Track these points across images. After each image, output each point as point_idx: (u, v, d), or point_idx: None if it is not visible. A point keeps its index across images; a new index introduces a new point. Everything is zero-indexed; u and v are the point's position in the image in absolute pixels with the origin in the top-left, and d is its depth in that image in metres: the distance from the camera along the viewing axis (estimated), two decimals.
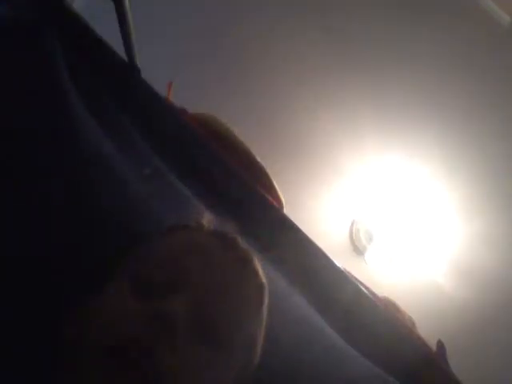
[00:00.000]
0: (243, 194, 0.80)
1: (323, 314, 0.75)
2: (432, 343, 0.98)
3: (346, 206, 1.88)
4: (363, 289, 0.85)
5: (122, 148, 0.70)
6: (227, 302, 0.48)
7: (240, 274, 0.52)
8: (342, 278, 0.83)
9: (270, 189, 0.99)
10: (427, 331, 1.10)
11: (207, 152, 0.82)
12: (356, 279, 0.89)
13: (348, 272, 0.87)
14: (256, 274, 0.55)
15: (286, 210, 0.97)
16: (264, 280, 0.56)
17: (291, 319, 0.69)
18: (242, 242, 0.55)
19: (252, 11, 1.80)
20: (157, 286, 0.46)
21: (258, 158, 1.01)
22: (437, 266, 1.83)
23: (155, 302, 0.44)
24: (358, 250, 1.89)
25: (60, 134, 0.62)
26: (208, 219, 0.57)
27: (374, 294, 0.97)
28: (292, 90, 1.80)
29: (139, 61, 0.84)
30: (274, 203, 0.90)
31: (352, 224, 1.91)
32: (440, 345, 0.97)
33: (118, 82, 0.80)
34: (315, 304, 0.75)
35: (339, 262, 0.84)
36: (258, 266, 0.55)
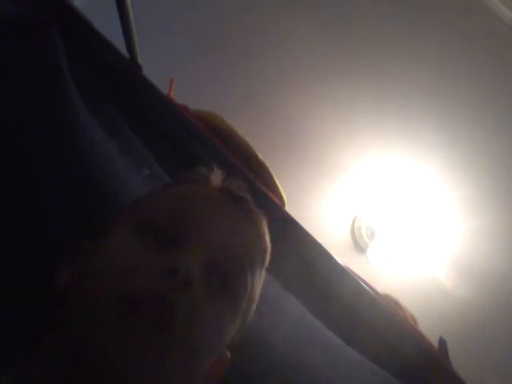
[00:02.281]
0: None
1: (324, 311, 0.75)
2: (434, 340, 0.98)
3: (348, 203, 1.88)
4: (364, 286, 0.85)
5: (123, 145, 0.70)
6: (237, 258, 0.48)
7: (250, 232, 0.52)
8: (343, 275, 0.83)
9: (272, 186, 0.99)
10: (429, 328, 1.10)
11: (209, 148, 0.83)
12: (357, 276, 0.89)
13: (349, 269, 0.87)
14: (264, 234, 0.55)
15: (288, 207, 0.97)
16: (269, 242, 0.56)
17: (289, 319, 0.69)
18: (252, 202, 0.55)
19: (253, 9, 1.79)
20: (166, 238, 0.45)
21: (260, 155, 1.01)
22: (439, 264, 1.83)
23: (167, 256, 0.43)
24: (359, 247, 1.89)
25: (62, 129, 0.62)
26: (217, 176, 0.56)
27: (375, 291, 0.97)
28: (293, 87, 1.80)
29: (141, 58, 0.84)
30: (276, 200, 0.90)
31: (354, 221, 1.91)
32: (442, 341, 0.97)
33: (119, 79, 0.80)
34: (316, 301, 0.75)
35: (341, 259, 0.84)
36: (266, 227, 0.55)
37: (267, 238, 0.55)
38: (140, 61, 0.84)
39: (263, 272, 0.55)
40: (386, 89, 1.76)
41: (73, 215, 0.57)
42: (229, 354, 0.52)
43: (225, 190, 0.54)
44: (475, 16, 1.71)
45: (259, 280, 0.53)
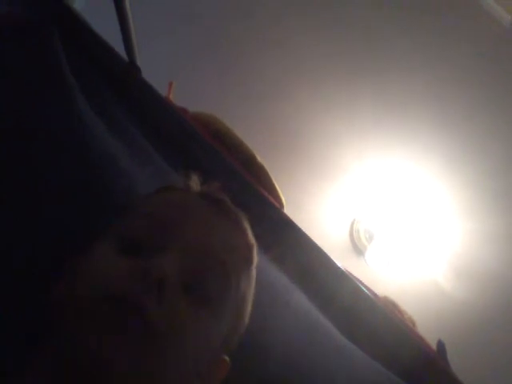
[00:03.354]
0: (244, 194, 0.80)
1: (323, 313, 0.75)
2: (432, 343, 0.98)
3: (347, 206, 1.89)
4: (363, 288, 0.85)
5: (123, 143, 0.70)
6: (216, 259, 0.48)
7: (229, 233, 0.52)
8: (341, 278, 0.83)
9: (271, 188, 0.99)
10: (427, 331, 1.10)
11: (209, 152, 0.83)
12: (356, 279, 0.89)
13: (348, 271, 0.87)
14: (245, 233, 0.54)
15: (287, 210, 0.97)
16: (253, 240, 0.55)
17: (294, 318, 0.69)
18: (231, 203, 0.55)
19: (253, 11, 1.80)
20: (144, 243, 0.46)
21: (259, 158, 1.02)
22: (437, 266, 1.84)
23: (143, 260, 0.44)
24: (358, 249, 1.89)
25: (64, 128, 0.62)
26: (195, 181, 0.57)
27: (374, 293, 0.97)
28: (293, 89, 1.80)
29: (139, 61, 0.84)
30: (275, 203, 0.90)
31: (352, 223, 1.91)
32: (440, 344, 0.97)
33: (118, 82, 0.80)
34: (315, 303, 0.75)
35: (339, 261, 0.84)
36: (248, 226, 0.55)
37: (250, 235, 0.55)
38: (139, 63, 0.84)
39: (253, 271, 0.55)
40: (386, 91, 1.77)
41: (73, 218, 0.57)
42: (228, 359, 0.52)
43: (203, 195, 0.54)
44: (474, 18, 1.72)
45: (247, 279, 0.53)
